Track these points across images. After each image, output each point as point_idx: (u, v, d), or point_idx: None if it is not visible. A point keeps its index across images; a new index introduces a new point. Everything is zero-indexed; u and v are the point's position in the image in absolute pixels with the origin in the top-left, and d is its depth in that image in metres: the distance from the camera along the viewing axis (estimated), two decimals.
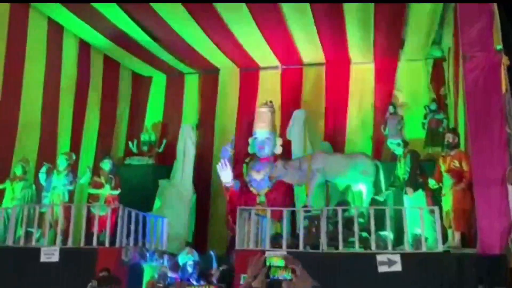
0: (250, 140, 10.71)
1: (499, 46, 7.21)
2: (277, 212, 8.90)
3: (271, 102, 10.97)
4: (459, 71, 8.42)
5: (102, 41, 11.29)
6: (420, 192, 8.32)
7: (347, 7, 9.53)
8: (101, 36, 11.03)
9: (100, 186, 9.74)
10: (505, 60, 7.12)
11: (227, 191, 10.48)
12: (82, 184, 10.31)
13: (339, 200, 9.35)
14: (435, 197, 8.27)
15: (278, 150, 10.63)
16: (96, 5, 9.63)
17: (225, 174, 10.23)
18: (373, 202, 8.90)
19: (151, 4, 9.57)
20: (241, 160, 10.88)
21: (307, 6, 9.49)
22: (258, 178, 10.38)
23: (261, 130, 10.57)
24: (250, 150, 10.71)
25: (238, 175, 10.47)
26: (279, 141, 10.67)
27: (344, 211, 8.11)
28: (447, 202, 7.81)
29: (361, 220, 8.08)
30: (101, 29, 10.71)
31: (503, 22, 7.36)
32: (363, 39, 10.85)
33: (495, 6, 7.25)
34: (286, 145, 10.70)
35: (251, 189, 10.38)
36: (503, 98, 7.09)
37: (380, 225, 7.83)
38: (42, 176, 9.40)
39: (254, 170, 10.48)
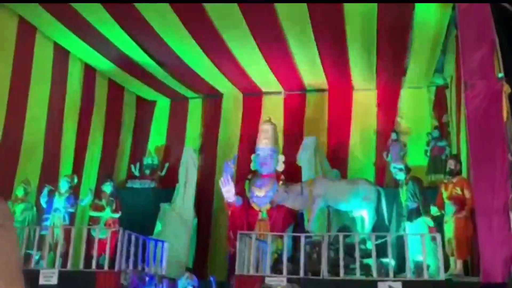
0: (252, 156, 10.75)
1: (501, 74, 7.24)
2: (279, 230, 8.86)
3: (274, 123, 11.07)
4: (461, 98, 8.44)
5: (107, 66, 11.42)
6: (422, 219, 8.27)
7: (350, 35, 9.62)
8: (106, 61, 11.16)
9: (101, 209, 9.74)
10: (506, 88, 7.13)
11: (229, 207, 10.46)
12: (84, 207, 10.33)
13: (340, 226, 9.30)
14: (437, 224, 8.21)
15: (280, 167, 10.64)
16: (102, 30, 9.76)
17: (227, 190, 10.21)
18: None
19: (157, 29, 9.70)
20: (243, 177, 10.88)
21: (310, 33, 9.59)
22: (260, 194, 10.38)
23: (264, 146, 10.60)
24: (252, 167, 10.74)
25: (240, 192, 10.46)
26: (282, 158, 10.70)
27: (345, 237, 8.05)
28: (449, 229, 7.75)
29: (363, 246, 8.02)
30: (106, 53, 10.84)
31: (504, 50, 7.40)
32: (365, 66, 10.94)
33: (495, 34, 7.30)
34: (296, 171, 10.70)
35: (253, 205, 10.36)
36: (505, 126, 7.09)
37: (382, 252, 7.76)
38: (43, 199, 9.40)
39: (256, 187, 10.48)
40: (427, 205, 8.36)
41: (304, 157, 10.62)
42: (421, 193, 8.46)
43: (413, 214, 8.42)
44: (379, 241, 7.77)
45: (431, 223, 8.18)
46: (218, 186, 10.85)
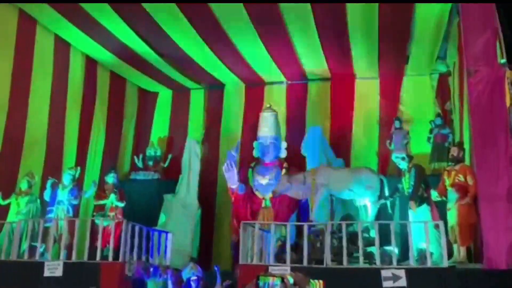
0: (254, 143, 10.73)
1: (503, 60, 7.20)
2: (282, 218, 8.80)
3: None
4: (464, 85, 8.40)
5: (109, 58, 11.41)
6: (425, 207, 8.24)
7: (352, 23, 9.58)
8: (108, 53, 11.15)
9: (105, 196, 9.80)
10: (509, 74, 7.10)
11: (232, 193, 10.47)
12: (87, 199, 10.37)
13: (343, 215, 9.30)
14: (440, 212, 8.19)
15: (283, 154, 10.63)
16: (102, 22, 9.75)
17: (230, 176, 10.21)
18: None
19: (158, 21, 9.67)
20: (246, 166, 10.89)
21: (311, 22, 9.55)
22: (263, 182, 10.38)
23: (265, 134, 10.59)
24: (255, 154, 10.73)
25: (243, 180, 10.46)
26: (284, 145, 10.68)
27: (348, 225, 8.04)
28: (452, 216, 7.75)
29: (366, 234, 8.01)
30: (107, 45, 10.83)
31: (506, 36, 7.36)
32: (368, 54, 10.89)
33: (498, 20, 7.25)
34: (300, 160, 10.72)
35: (256, 193, 10.36)
36: (508, 112, 7.06)
37: (386, 240, 7.75)
38: (47, 192, 9.43)
39: (259, 175, 10.48)
40: (424, 192, 8.34)
41: (309, 147, 10.61)
42: (418, 180, 8.39)
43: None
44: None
45: (422, 211, 8.16)
46: (221, 176, 10.87)
